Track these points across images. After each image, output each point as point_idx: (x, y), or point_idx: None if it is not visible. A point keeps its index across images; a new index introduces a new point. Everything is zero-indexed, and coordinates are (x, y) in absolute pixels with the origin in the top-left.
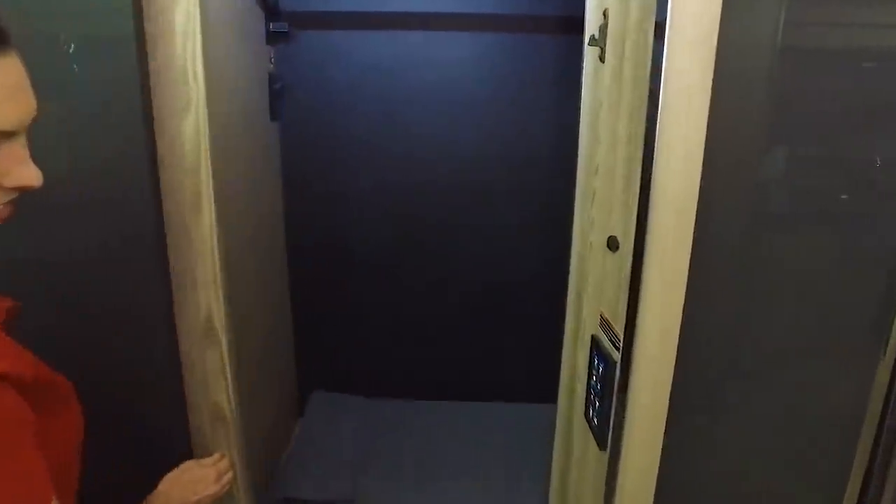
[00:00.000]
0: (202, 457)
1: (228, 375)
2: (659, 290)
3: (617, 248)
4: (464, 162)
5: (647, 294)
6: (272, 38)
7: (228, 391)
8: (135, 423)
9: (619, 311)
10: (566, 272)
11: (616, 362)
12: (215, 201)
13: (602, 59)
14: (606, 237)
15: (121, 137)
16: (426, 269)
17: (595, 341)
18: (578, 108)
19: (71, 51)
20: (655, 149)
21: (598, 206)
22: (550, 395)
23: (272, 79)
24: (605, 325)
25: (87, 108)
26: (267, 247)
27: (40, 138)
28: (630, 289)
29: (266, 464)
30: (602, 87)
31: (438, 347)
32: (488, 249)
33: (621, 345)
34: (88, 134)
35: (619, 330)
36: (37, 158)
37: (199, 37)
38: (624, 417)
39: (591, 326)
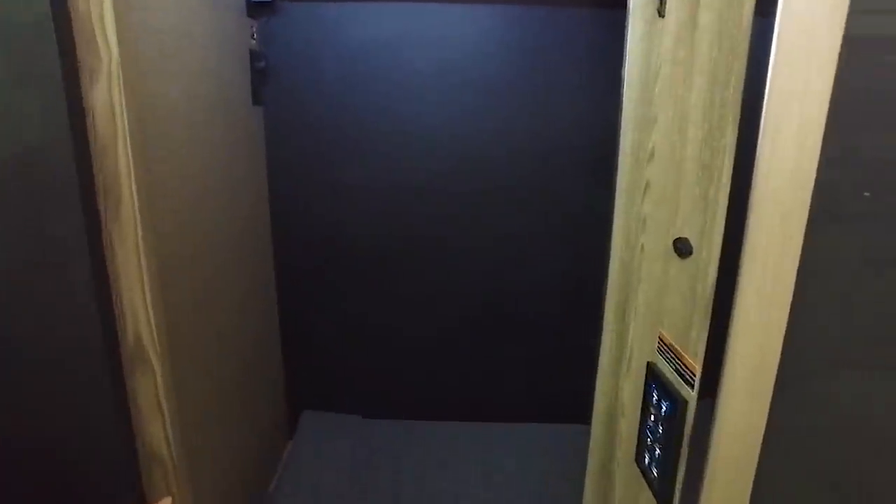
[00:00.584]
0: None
1: (165, 409)
2: (757, 313)
3: (689, 253)
4: (473, 155)
5: (741, 317)
6: (254, 9)
7: (166, 428)
8: (81, 467)
9: (692, 335)
10: (587, 282)
11: (687, 402)
12: (140, 193)
13: (661, 12)
14: (670, 239)
15: (44, 114)
16: (428, 276)
17: (653, 371)
18: (607, 92)
19: None
20: (762, 122)
21: (653, 201)
22: (559, 416)
23: (254, 57)
24: (668, 351)
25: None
26: (251, 250)
27: None
28: (714, 309)
29: (250, 492)
30: (660, 50)
31: (440, 363)
32: (497, 255)
33: (697, 381)
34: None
35: (694, 361)
36: None
37: None
38: (702, 473)
39: (642, 351)
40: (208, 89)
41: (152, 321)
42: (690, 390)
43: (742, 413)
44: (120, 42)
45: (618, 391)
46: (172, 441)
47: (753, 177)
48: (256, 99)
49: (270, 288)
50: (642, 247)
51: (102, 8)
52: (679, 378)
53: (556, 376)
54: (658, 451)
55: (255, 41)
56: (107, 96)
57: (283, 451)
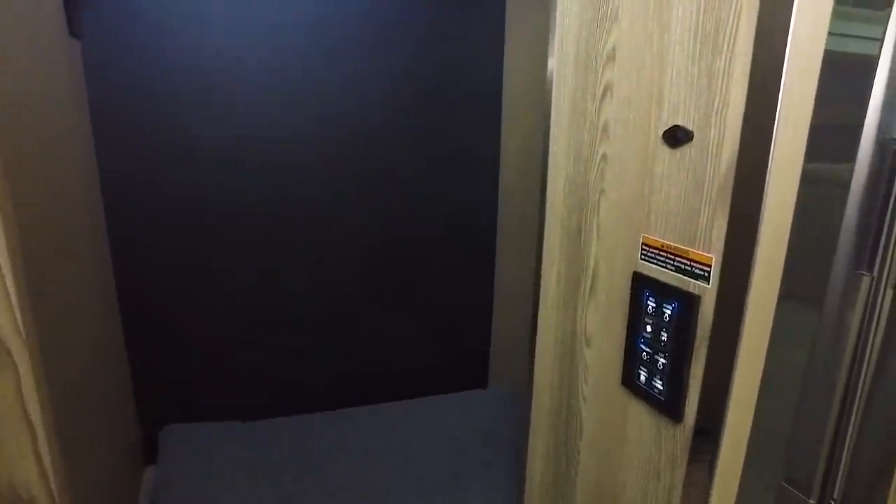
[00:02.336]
0: None
1: (37, 422)
2: (782, 187)
3: (689, 139)
4: (340, 97)
5: (773, 192)
6: None
7: (39, 452)
8: None
9: (702, 226)
10: (477, 230)
11: (700, 296)
12: None
13: None
14: (654, 135)
15: None
16: (296, 244)
17: (644, 279)
18: (490, 29)
19: None
20: None
21: (619, 104)
22: (459, 383)
23: None
24: (662, 253)
25: None
26: (80, 227)
27: None
28: (735, 189)
29: None
30: None
31: (322, 344)
32: (373, 214)
33: (713, 271)
34: None
35: (707, 251)
36: None
37: None
38: (732, 363)
39: (614, 268)
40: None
41: (13, 296)
42: (704, 283)
43: (766, 296)
44: None
45: (576, 322)
46: (50, 469)
47: (790, 30)
48: (74, 28)
49: (108, 274)
50: (604, 156)
51: None
52: (683, 276)
53: (452, 341)
54: (663, 361)
55: None
56: None
57: (141, 480)
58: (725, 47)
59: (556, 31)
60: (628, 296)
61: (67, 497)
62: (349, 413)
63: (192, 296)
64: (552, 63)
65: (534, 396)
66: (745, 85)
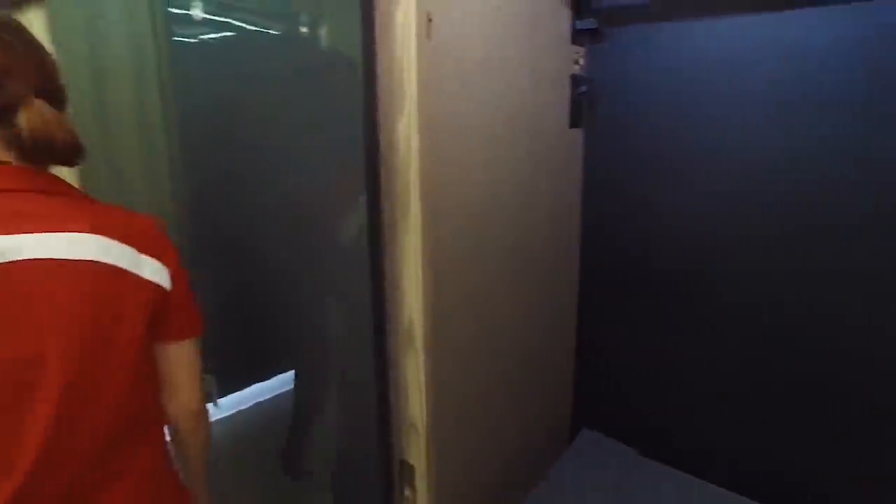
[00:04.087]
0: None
1: (423, 385)
2: None
3: None
4: (807, 187)
5: None
6: (580, 36)
7: (422, 402)
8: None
9: None
10: None
11: None
12: (424, 207)
13: None
14: None
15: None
16: (745, 315)
17: None
18: None
19: None
20: None
21: None
22: None
23: (577, 81)
24: None
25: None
26: (552, 262)
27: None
28: None
29: (502, 491)
30: None
31: (743, 420)
32: (830, 308)
33: None
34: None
35: None
36: None
37: (413, 39)
38: None
39: None
40: (510, 112)
41: (421, 310)
42: None
43: None
44: (419, 82)
45: None
46: (426, 413)
47: None
48: (574, 122)
49: (571, 299)
50: None
51: (410, 53)
52: None
53: None
54: None
55: (579, 66)
56: (405, 127)
57: (552, 463)
58: None
59: None
60: None
61: (433, 428)
62: (730, 497)
63: (636, 332)
64: None
65: None
66: None
